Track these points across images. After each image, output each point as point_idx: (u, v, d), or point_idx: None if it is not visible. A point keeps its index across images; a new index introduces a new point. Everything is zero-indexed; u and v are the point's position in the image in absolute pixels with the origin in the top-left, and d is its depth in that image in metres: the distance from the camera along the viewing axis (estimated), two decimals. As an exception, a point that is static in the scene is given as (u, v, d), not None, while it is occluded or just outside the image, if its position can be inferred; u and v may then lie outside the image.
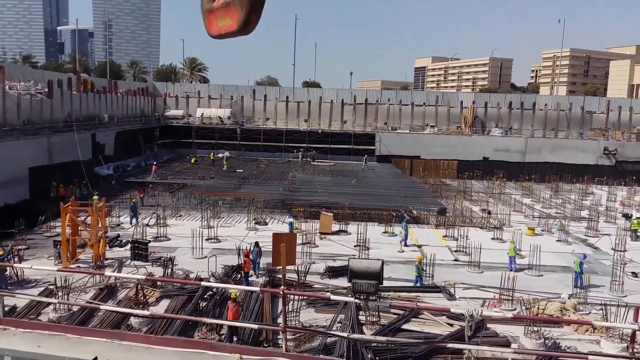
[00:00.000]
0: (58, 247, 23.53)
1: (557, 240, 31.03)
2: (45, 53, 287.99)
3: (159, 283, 20.32)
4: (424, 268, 22.67)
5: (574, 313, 19.27)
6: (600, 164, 59.67)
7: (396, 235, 29.77)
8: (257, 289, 10.45)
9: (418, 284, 22.01)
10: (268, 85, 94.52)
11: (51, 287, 19.36)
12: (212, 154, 60.34)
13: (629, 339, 14.11)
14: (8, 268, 20.07)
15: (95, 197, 31.46)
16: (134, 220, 31.12)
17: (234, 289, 16.54)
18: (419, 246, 28.69)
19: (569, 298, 20.73)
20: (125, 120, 58.20)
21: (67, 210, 23.41)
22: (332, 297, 10.04)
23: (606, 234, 32.00)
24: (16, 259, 22.25)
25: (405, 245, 28.44)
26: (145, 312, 12.77)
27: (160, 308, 18.52)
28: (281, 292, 8.81)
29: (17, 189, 33.81)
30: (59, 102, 45.09)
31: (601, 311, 18.84)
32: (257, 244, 23.45)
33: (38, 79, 44.98)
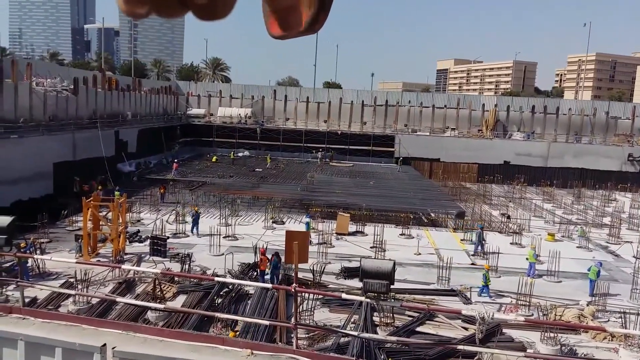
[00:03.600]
0: (79, 241, 24.01)
1: (577, 247, 30.59)
2: (72, 51, 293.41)
3: (176, 278, 20.61)
4: (489, 278, 21.79)
5: (592, 320, 19.00)
6: (625, 171, 58.57)
7: (413, 237, 29.66)
8: (269, 285, 10.56)
9: (484, 294, 21.41)
10: (289, 86, 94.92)
11: (71, 280, 19.79)
12: (232, 153, 60.87)
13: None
14: (30, 260, 20.55)
15: (117, 193, 31.99)
16: (194, 229, 29.24)
17: (249, 285, 16.70)
18: (491, 253, 27.59)
19: (587, 305, 20.45)
20: (148, 118, 59.02)
21: (89, 205, 23.87)
22: (344, 295, 10.11)
23: (628, 242, 31.45)
24: (38, 251, 22.76)
25: (483, 253, 27.21)
26: (160, 306, 12.98)
27: (177, 303, 18.78)
28: (293, 289, 8.92)
29: (42, 183, 34.57)
30: (84, 99, 45.93)
31: (620, 319, 18.55)
32: (277, 254, 21.08)
33: (64, 76, 45.89)
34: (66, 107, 42.76)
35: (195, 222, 29.32)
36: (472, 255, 27.47)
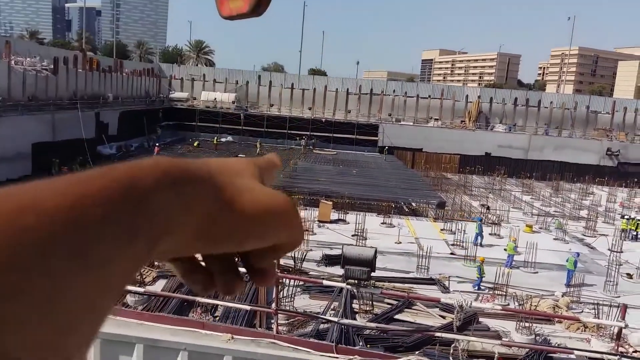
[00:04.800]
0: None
1: (554, 239, 31.15)
2: (52, 30, 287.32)
3: (156, 263, 20.53)
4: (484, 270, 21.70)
5: (566, 311, 19.44)
6: (603, 165, 59.63)
7: (395, 226, 29.90)
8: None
9: (477, 287, 21.54)
10: (274, 72, 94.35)
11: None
12: (215, 138, 60.43)
13: (616, 337, 14.28)
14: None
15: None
16: None
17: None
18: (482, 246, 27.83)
19: (562, 296, 20.91)
20: (129, 100, 58.26)
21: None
22: (325, 282, 10.20)
23: (603, 235, 32.12)
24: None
25: (481, 245, 27.31)
26: (139, 290, 12.95)
27: (157, 288, 18.74)
28: (274, 276, 8.95)
29: (20, 164, 34.00)
30: (65, 79, 45.15)
31: (593, 310, 19.01)
32: None
33: (44, 56, 45.03)
34: (46, 87, 42.00)
35: None
36: (475, 245, 27.39)
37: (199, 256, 0.44)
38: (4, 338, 0.26)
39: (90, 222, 0.31)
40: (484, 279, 21.56)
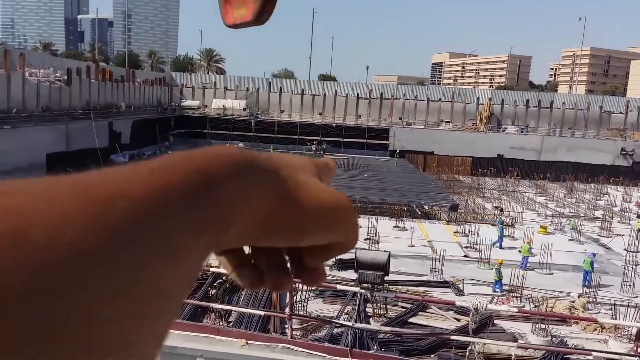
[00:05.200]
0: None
1: (569, 240, 30.85)
2: (65, 41, 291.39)
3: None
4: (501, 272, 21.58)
5: (583, 312, 19.22)
6: (617, 165, 58.99)
7: (407, 230, 29.81)
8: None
9: (497, 289, 21.47)
10: (284, 78, 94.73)
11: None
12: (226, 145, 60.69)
13: (634, 337, 14.11)
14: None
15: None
16: None
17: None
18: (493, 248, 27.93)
19: (578, 297, 20.68)
20: (142, 109, 58.83)
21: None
22: (339, 286, 10.20)
23: (619, 235, 31.74)
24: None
25: (501, 248, 27.52)
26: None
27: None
28: (287, 280, 8.99)
29: (35, 174, 34.02)
30: (78, 90, 45.72)
31: (610, 311, 18.79)
32: None
33: (57, 67, 45.63)
34: (59, 97, 42.56)
35: None
36: (494, 245, 27.34)
37: (247, 250, 0.45)
38: (95, 330, 0.27)
39: (172, 211, 0.31)
40: (500, 281, 21.43)
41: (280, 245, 0.44)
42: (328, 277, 20.12)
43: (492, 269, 22.11)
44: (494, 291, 21.29)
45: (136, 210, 0.29)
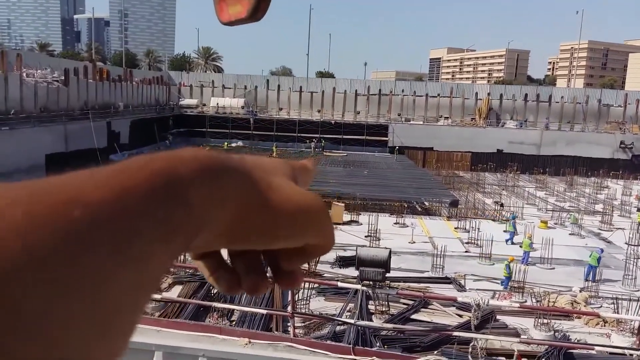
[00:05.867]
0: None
1: (570, 234, 30.83)
2: (62, 41, 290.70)
3: (172, 269, 20.61)
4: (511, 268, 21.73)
5: (585, 306, 19.21)
6: (617, 158, 58.98)
7: (408, 226, 29.78)
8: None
9: (504, 285, 21.46)
10: (282, 75, 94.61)
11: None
12: (225, 143, 60.72)
13: (637, 331, 14.10)
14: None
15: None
16: None
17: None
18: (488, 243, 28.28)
19: (580, 291, 20.67)
20: (140, 109, 58.73)
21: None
22: (340, 284, 10.17)
23: (620, 228, 31.73)
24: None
25: (512, 243, 27.70)
26: (156, 296, 12.99)
27: (173, 294, 18.80)
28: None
29: (34, 175, 34.28)
30: (75, 90, 45.61)
31: (612, 305, 18.78)
32: None
33: (55, 67, 45.53)
34: (57, 98, 42.46)
35: None
36: (507, 242, 27.65)
37: (225, 255, 0.45)
38: (52, 333, 0.26)
39: (132, 216, 0.30)
40: (509, 277, 21.39)
41: (253, 248, 0.44)
42: (329, 275, 20.15)
43: (503, 264, 21.95)
44: (505, 288, 21.24)
45: (91, 215, 0.28)
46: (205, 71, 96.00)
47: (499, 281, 21.73)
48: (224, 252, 0.45)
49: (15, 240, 0.25)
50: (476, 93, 69.65)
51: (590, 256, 23.17)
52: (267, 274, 0.45)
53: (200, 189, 0.35)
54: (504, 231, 29.07)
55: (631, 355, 12.98)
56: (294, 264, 0.46)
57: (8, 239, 0.25)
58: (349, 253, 24.10)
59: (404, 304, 18.69)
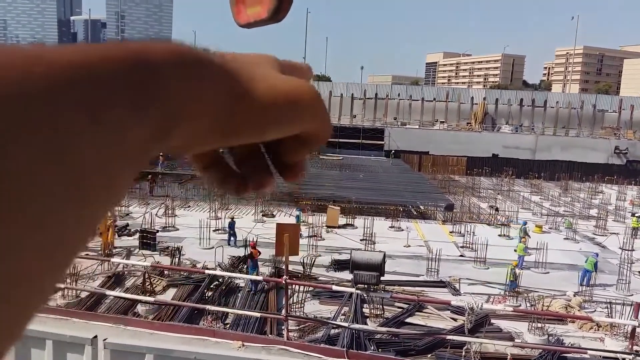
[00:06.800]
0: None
1: (564, 238, 30.93)
2: (58, 43, 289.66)
3: (166, 272, 20.58)
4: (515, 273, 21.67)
5: (579, 311, 19.26)
6: (611, 163, 59.25)
7: (403, 230, 29.79)
8: (260, 277, 10.60)
9: (512, 287, 21.32)
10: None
11: (60, 273, 19.63)
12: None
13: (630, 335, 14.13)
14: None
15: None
16: (231, 240, 26.01)
17: (239, 278, 16.73)
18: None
19: (574, 296, 20.73)
20: (135, 111, 58.59)
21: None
22: (335, 287, 10.17)
23: (614, 233, 31.85)
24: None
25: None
26: (150, 299, 12.98)
27: (167, 297, 18.75)
28: (283, 282, 8.96)
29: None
30: (71, 91, 45.52)
31: (606, 309, 18.83)
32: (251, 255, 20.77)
33: (50, 69, 45.42)
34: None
35: (231, 231, 26.23)
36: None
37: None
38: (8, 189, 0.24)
39: (101, 81, 0.29)
40: (515, 281, 21.37)
41: (249, 142, 0.43)
42: (324, 278, 20.13)
43: (507, 268, 21.87)
44: (513, 289, 21.22)
45: (55, 74, 0.27)
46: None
47: (493, 285, 21.76)
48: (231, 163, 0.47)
49: None
50: (472, 98, 69.90)
51: (586, 261, 23.18)
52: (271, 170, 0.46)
53: (175, 76, 0.34)
54: (510, 237, 28.90)
55: (624, 359, 13.01)
56: (296, 156, 0.46)
57: None
58: (344, 256, 24.12)
59: (399, 307, 18.69)
